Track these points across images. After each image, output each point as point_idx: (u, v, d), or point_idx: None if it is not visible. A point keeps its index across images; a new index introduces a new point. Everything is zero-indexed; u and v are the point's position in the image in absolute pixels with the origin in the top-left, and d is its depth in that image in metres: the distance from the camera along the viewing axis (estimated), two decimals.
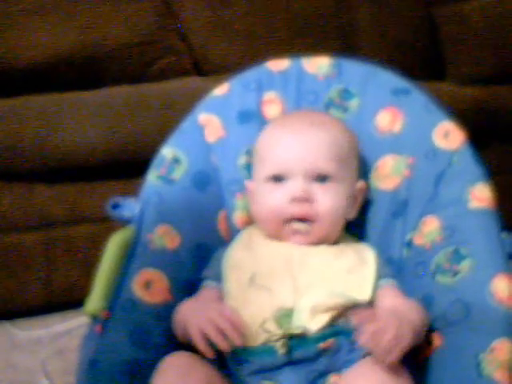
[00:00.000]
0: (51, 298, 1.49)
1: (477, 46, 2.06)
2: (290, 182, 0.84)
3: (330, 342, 0.74)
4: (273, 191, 0.85)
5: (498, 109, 1.90)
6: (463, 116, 1.79)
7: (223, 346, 0.72)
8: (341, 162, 0.86)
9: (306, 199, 0.83)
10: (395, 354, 0.68)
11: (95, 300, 0.79)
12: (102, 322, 0.78)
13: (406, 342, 0.69)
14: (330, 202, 0.84)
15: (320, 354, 0.74)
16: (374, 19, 2.10)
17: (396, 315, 0.72)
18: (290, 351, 0.73)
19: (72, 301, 1.39)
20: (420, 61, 2.16)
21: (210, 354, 0.72)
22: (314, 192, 0.84)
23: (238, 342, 0.72)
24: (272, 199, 0.85)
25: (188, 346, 0.76)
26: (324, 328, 0.75)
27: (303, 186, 0.83)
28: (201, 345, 0.72)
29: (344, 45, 2.03)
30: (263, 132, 0.92)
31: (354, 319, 0.72)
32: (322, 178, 0.84)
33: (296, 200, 0.83)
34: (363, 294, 0.79)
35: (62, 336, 1.36)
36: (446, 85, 2.06)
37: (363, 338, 0.68)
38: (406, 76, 0.98)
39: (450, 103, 1.80)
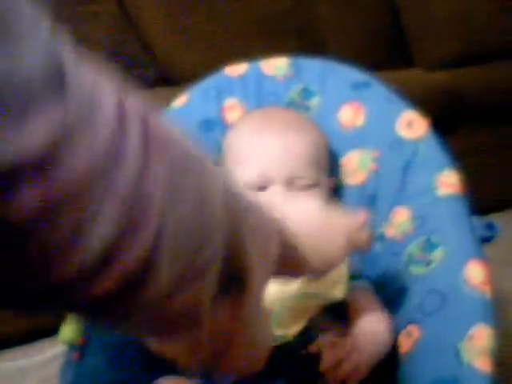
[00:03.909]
0: (35, 326, 1.48)
1: (441, 30, 2.06)
2: (269, 191, 0.82)
3: (312, 346, 0.74)
4: None
5: (466, 91, 1.91)
6: (433, 100, 1.81)
7: None
8: (319, 165, 0.85)
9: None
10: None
11: (70, 327, 0.77)
12: (79, 348, 0.77)
13: (361, 375, 0.71)
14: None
15: (303, 360, 0.73)
16: (335, 12, 2.10)
17: (360, 344, 0.73)
18: (271, 361, 0.72)
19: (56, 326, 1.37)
20: (387, 49, 2.17)
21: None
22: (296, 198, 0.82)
23: None
24: None
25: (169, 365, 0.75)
26: (303, 331, 0.75)
27: (284, 195, 0.81)
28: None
29: (308, 41, 2.03)
30: (240, 127, 0.89)
31: (314, 348, 0.73)
32: (304, 187, 0.83)
33: None
34: (337, 292, 0.78)
35: (48, 363, 1.35)
36: (415, 71, 2.07)
37: (323, 365, 0.71)
38: (374, 66, 0.97)
39: (420, 89, 1.82)
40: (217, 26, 1.92)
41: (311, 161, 0.84)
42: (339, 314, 0.79)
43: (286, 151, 0.83)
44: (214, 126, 0.96)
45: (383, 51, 2.14)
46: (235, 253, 0.41)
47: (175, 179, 0.35)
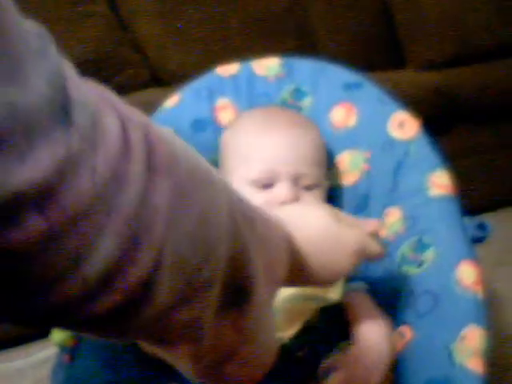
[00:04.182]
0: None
1: (432, 32, 2.07)
2: (276, 187, 0.81)
3: (307, 349, 0.74)
4: (256, 195, 0.80)
5: (459, 91, 1.91)
6: (426, 101, 1.81)
7: None
8: (321, 165, 0.85)
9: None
10: None
11: (61, 329, 0.77)
12: (70, 350, 0.76)
13: None
14: None
15: (299, 362, 0.73)
16: (329, 13, 2.10)
17: (365, 359, 0.71)
18: None
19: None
20: (380, 50, 2.17)
21: None
22: (300, 197, 0.81)
23: None
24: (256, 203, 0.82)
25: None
26: (298, 334, 0.74)
27: (291, 191, 0.81)
28: None
29: (302, 42, 2.03)
30: (243, 125, 0.88)
31: (321, 368, 0.72)
32: (307, 187, 0.83)
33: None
34: (333, 294, 0.78)
35: (46, 364, 1.34)
36: (407, 71, 2.07)
37: None
38: (367, 66, 0.97)
39: (413, 89, 1.82)
40: (213, 26, 1.91)
41: (315, 160, 0.84)
42: (335, 316, 0.79)
43: (292, 148, 0.83)
44: (206, 126, 0.96)
45: (376, 51, 2.15)
46: (239, 262, 0.41)
47: (180, 197, 0.35)
